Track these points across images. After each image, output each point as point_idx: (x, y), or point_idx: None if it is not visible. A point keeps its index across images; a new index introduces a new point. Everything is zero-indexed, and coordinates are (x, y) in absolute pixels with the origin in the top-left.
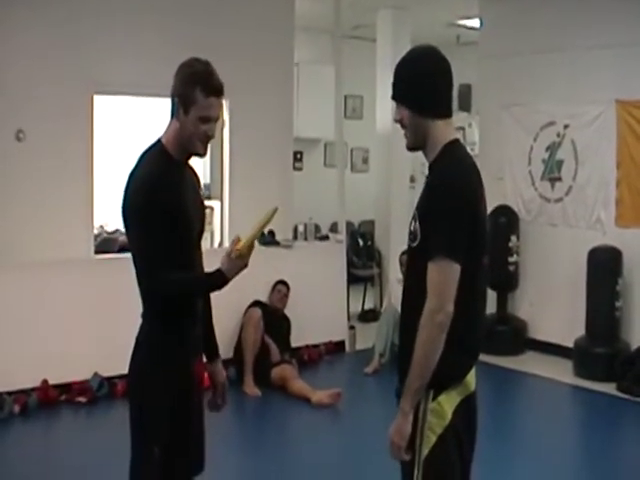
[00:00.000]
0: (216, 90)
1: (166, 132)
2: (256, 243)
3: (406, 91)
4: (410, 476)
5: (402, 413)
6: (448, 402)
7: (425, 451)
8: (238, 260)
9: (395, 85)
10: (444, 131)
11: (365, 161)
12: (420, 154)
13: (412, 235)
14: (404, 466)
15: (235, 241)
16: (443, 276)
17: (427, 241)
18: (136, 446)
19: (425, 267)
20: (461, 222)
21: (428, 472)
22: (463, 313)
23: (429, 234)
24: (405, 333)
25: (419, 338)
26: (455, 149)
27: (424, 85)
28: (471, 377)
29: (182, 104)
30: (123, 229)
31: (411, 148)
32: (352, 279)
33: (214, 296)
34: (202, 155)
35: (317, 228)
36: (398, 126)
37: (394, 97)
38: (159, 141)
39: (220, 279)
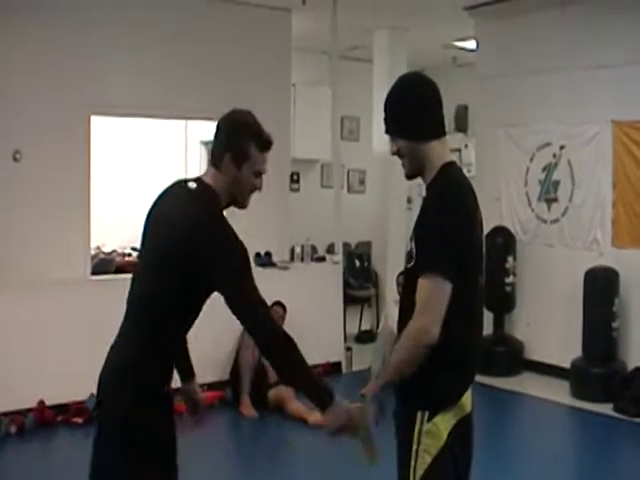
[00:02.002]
0: (269, 145)
1: (211, 178)
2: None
3: (398, 124)
4: None
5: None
6: (443, 423)
7: (420, 472)
8: (349, 427)
9: (387, 120)
10: (440, 152)
11: (362, 182)
12: None
13: (408, 255)
14: None
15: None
16: (432, 292)
17: (420, 259)
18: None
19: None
20: (453, 240)
21: None
22: (459, 333)
23: (423, 253)
24: None
25: (398, 353)
26: (451, 171)
27: (414, 114)
28: (467, 399)
29: (234, 160)
30: (142, 242)
31: (410, 176)
32: (349, 300)
33: (211, 317)
34: (245, 207)
35: (314, 249)
36: (389, 149)
37: (387, 132)
38: (205, 183)
39: (325, 396)
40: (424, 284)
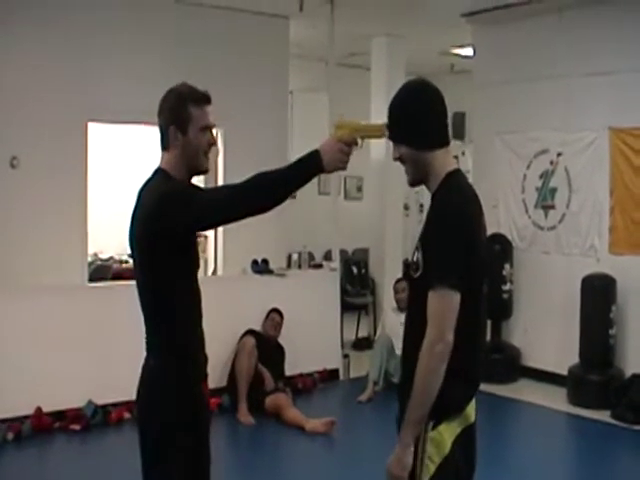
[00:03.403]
0: (206, 98)
1: (163, 161)
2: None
3: (402, 131)
4: None
5: (402, 444)
6: (448, 432)
7: None
8: (338, 144)
9: (390, 127)
10: (444, 161)
11: (359, 189)
12: None
13: (414, 265)
14: None
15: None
16: (443, 305)
17: (428, 271)
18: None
19: (426, 297)
20: (460, 251)
21: None
22: (465, 342)
23: (430, 264)
24: (407, 363)
25: (419, 369)
26: (455, 178)
27: (418, 121)
28: (471, 408)
29: (179, 127)
30: (130, 253)
31: (413, 183)
32: (346, 307)
33: (208, 324)
34: (206, 171)
35: (311, 256)
36: (391, 154)
37: (391, 138)
38: (160, 169)
39: (315, 160)
40: (435, 297)
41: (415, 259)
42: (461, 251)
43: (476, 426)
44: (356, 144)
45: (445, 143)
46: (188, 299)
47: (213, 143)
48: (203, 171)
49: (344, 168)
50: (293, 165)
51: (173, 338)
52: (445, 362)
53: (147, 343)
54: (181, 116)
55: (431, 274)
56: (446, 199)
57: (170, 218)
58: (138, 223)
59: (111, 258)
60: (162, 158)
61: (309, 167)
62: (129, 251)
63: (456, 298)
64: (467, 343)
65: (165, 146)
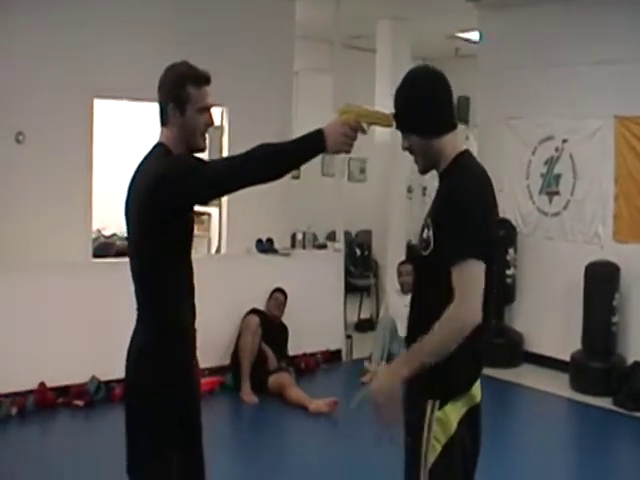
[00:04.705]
0: (206, 78)
1: (163, 136)
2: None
3: (410, 120)
4: None
5: (390, 369)
6: (454, 412)
7: (431, 460)
8: (343, 127)
9: (397, 117)
10: (453, 144)
11: (362, 171)
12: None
13: (424, 243)
14: (409, 475)
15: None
16: (471, 276)
17: (442, 247)
18: (144, 450)
19: (437, 276)
20: (478, 223)
21: None
22: (482, 320)
23: (445, 241)
24: (415, 336)
25: (436, 336)
26: (466, 158)
27: (426, 110)
28: (477, 388)
29: (177, 106)
30: (125, 227)
31: (424, 171)
32: (349, 288)
33: (212, 302)
34: (204, 149)
35: (314, 237)
36: (396, 136)
37: (399, 128)
38: (160, 144)
39: (319, 139)
40: (457, 273)
41: (425, 236)
42: (479, 223)
43: (481, 406)
44: (362, 130)
45: (452, 127)
46: (180, 272)
47: (211, 124)
48: (200, 150)
49: (348, 151)
50: (296, 141)
51: (165, 311)
52: (463, 337)
53: (138, 316)
54: (180, 96)
55: (450, 250)
56: (459, 178)
57: (170, 191)
58: (137, 196)
59: (114, 235)
60: (162, 133)
61: (312, 145)
62: (124, 223)
63: (481, 266)
64: (481, 323)
65: (164, 122)
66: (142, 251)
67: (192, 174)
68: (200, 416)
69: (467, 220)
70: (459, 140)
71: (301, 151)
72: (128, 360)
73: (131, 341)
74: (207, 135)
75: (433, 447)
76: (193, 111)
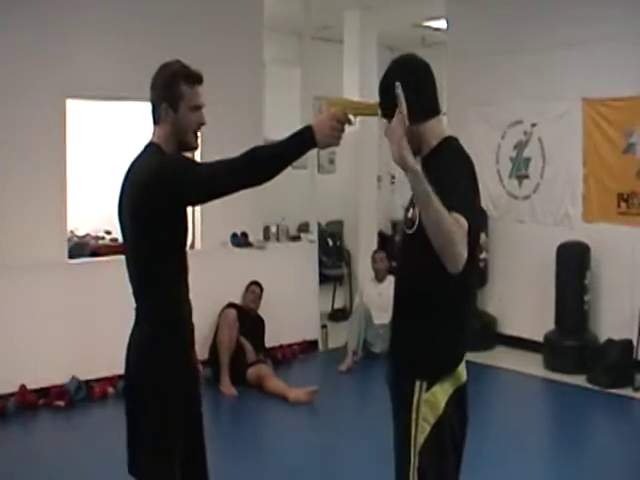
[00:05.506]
0: (198, 78)
1: (155, 136)
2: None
3: (394, 107)
4: (407, 466)
5: (408, 152)
6: (441, 393)
7: (421, 440)
8: (331, 121)
9: (382, 104)
10: (439, 129)
11: (332, 162)
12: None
13: (410, 222)
14: (399, 456)
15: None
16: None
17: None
18: (149, 447)
19: (422, 253)
20: (472, 190)
21: (424, 461)
22: (466, 300)
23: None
24: (401, 318)
25: (448, 219)
26: (454, 142)
27: (411, 97)
28: (462, 368)
29: (170, 105)
30: (119, 227)
31: None
32: (322, 279)
33: (190, 297)
34: (196, 147)
35: (287, 229)
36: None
37: (384, 115)
38: (152, 143)
39: (308, 135)
40: (458, 219)
41: (410, 215)
42: (472, 191)
43: (467, 385)
44: (349, 122)
45: (437, 112)
46: (178, 270)
47: (203, 122)
48: (192, 148)
49: (337, 144)
50: (286, 140)
51: (165, 306)
52: (461, 245)
53: (137, 314)
54: (173, 94)
55: (452, 200)
56: (453, 154)
57: (164, 191)
58: (130, 195)
59: (87, 235)
60: (154, 132)
61: (302, 142)
62: (117, 223)
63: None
64: (468, 301)
65: (156, 121)
66: (138, 249)
67: (188, 174)
68: (201, 409)
69: (466, 184)
70: (443, 126)
71: (293, 150)
72: (128, 358)
73: (130, 339)
74: (199, 134)
75: (422, 428)
76: (186, 109)
